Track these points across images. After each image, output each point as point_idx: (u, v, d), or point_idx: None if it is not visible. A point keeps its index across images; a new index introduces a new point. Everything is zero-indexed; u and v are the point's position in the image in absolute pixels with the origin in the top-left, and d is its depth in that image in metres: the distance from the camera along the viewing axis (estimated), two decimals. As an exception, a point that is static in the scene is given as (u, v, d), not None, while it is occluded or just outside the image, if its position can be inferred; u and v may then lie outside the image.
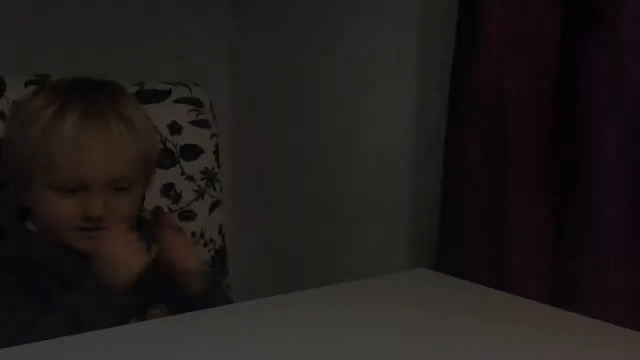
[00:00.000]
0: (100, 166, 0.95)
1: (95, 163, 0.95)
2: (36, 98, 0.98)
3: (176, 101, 1.22)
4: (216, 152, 1.25)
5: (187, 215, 1.20)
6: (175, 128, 1.21)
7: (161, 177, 1.14)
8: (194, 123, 1.22)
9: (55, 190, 0.95)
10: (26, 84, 1.09)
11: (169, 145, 1.19)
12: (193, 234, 1.20)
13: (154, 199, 1.14)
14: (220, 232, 1.25)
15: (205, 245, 1.23)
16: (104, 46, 1.42)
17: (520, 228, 1.08)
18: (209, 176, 1.23)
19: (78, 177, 0.95)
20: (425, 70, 1.27)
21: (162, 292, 1.00)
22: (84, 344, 0.76)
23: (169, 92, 1.21)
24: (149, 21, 1.50)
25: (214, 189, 1.24)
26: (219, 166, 1.26)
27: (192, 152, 1.22)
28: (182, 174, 1.21)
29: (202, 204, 1.22)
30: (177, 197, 1.20)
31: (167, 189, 1.19)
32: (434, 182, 1.19)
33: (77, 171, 0.94)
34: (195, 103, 1.23)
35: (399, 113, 1.30)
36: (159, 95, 1.20)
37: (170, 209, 1.18)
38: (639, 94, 0.97)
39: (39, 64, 1.21)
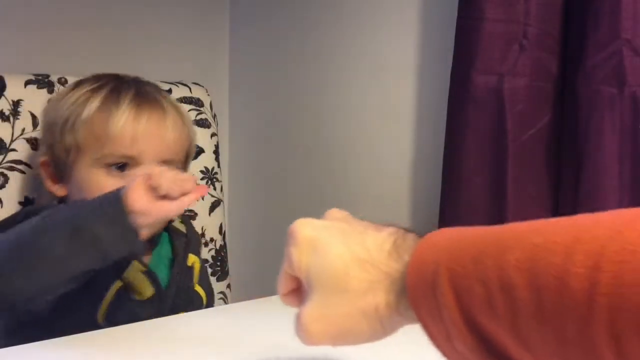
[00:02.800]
0: (155, 145, 0.96)
1: (150, 141, 0.95)
2: (84, 84, 1.00)
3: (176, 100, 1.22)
4: (216, 152, 1.25)
5: (188, 215, 1.20)
6: (175, 128, 1.21)
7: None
8: (194, 123, 1.22)
9: (105, 168, 0.94)
10: (26, 84, 1.09)
11: (169, 145, 1.19)
12: (193, 233, 1.20)
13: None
14: (220, 232, 1.25)
15: (205, 245, 1.23)
16: (104, 46, 1.42)
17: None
18: (209, 176, 1.23)
19: (132, 155, 0.94)
20: (425, 70, 1.27)
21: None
22: (84, 344, 0.76)
23: (169, 92, 1.21)
24: (149, 21, 1.50)
25: (214, 189, 1.24)
26: (219, 166, 1.26)
27: (192, 151, 1.22)
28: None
29: (202, 204, 1.22)
30: (177, 197, 1.20)
31: (167, 189, 1.19)
32: (434, 182, 1.19)
33: (133, 148, 0.94)
34: (195, 103, 1.23)
35: (399, 113, 1.30)
36: (159, 95, 1.20)
37: (170, 209, 1.18)
38: (639, 94, 0.97)
39: (39, 64, 1.21)
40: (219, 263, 1.24)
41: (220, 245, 1.25)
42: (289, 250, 0.56)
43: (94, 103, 0.96)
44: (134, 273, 0.93)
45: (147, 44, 1.49)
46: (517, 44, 1.07)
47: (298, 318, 0.54)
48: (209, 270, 1.21)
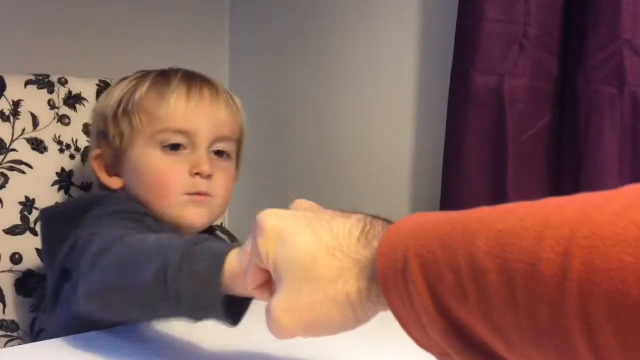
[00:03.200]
0: (209, 120, 0.95)
1: (204, 116, 0.95)
2: (128, 77, 1.00)
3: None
4: (216, 152, 1.25)
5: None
6: (175, 128, 1.20)
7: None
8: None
9: (160, 148, 0.94)
10: (26, 84, 1.09)
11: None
12: (193, 233, 1.19)
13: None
14: (220, 232, 1.25)
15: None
16: (104, 46, 1.42)
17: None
18: (209, 176, 1.23)
19: (187, 129, 0.94)
20: (425, 70, 1.27)
21: None
22: (84, 343, 0.76)
23: (169, 92, 1.21)
24: (149, 21, 1.50)
25: (214, 189, 1.23)
26: (219, 166, 1.26)
27: (192, 152, 1.21)
28: (182, 173, 1.20)
29: (202, 203, 1.22)
30: (177, 197, 1.19)
31: (167, 189, 1.19)
32: (434, 182, 1.19)
33: (187, 123, 0.94)
34: (195, 103, 1.23)
35: (399, 113, 1.30)
36: (159, 95, 1.20)
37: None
38: (639, 94, 0.97)
39: (39, 64, 1.21)
40: (219, 263, 1.23)
41: (220, 245, 1.24)
42: (255, 242, 0.54)
43: (144, 86, 0.96)
44: None
45: (147, 44, 1.49)
46: (517, 44, 1.07)
47: (267, 310, 0.53)
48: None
